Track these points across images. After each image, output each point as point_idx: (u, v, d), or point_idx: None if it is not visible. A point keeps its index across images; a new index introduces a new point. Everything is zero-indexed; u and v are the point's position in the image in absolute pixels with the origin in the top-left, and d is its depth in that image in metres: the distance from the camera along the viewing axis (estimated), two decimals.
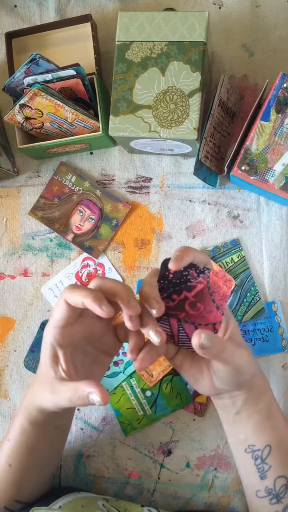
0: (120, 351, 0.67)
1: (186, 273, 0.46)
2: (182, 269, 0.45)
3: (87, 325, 0.49)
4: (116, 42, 0.61)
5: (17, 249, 0.72)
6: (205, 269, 0.46)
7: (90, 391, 0.43)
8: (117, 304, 0.46)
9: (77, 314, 0.48)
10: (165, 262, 0.46)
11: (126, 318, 0.45)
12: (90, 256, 0.70)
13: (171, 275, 0.46)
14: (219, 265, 0.66)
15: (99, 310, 0.43)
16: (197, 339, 0.44)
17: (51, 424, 0.55)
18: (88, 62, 0.67)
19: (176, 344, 0.49)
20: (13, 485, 0.55)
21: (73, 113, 0.62)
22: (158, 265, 0.69)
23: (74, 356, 0.49)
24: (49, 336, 0.47)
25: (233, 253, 0.66)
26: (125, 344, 0.67)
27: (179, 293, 0.46)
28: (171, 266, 0.45)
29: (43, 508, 0.53)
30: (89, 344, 0.50)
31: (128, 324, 0.45)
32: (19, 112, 0.63)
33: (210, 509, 0.65)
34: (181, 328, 0.48)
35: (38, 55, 0.61)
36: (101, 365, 0.52)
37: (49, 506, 0.53)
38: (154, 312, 0.45)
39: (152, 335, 0.45)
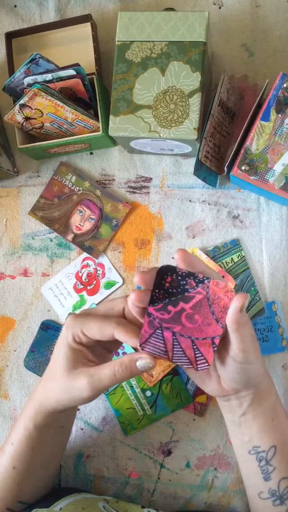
0: (120, 351, 0.67)
1: (184, 282, 0.42)
2: (179, 278, 0.42)
3: (88, 352, 0.51)
4: (116, 42, 0.61)
5: (17, 249, 0.72)
6: (204, 278, 0.42)
7: (137, 358, 0.45)
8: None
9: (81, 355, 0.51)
10: (161, 270, 0.42)
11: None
12: (90, 256, 0.70)
13: (167, 284, 0.42)
14: (219, 265, 0.66)
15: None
16: (244, 298, 0.42)
17: (57, 425, 0.55)
18: (88, 62, 0.67)
19: (170, 360, 0.45)
20: (17, 486, 0.56)
21: (73, 113, 0.62)
22: (158, 265, 0.68)
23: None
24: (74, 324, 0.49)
25: (233, 253, 0.66)
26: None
27: (175, 304, 0.43)
28: (179, 254, 0.42)
29: (44, 510, 0.53)
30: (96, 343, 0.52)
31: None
32: (19, 112, 0.63)
33: (210, 509, 0.65)
34: (176, 343, 0.44)
35: (38, 55, 0.61)
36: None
37: (50, 508, 0.53)
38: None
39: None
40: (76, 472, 0.68)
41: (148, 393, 0.66)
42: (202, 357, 0.44)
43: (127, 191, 0.70)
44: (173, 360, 0.45)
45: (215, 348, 0.44)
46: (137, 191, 0.70)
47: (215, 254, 0.67)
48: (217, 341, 0.44)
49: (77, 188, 0.70)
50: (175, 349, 0.44)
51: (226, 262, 0.66)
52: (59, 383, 0.50)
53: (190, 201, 0.69)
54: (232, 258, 0.66)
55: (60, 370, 0.50)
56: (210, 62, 0.66)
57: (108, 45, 0.71)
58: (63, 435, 0.59)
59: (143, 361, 0.45)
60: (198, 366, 0.45)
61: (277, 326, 0.65)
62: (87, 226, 0.70)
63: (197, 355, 0.44)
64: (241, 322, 0.43)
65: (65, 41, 0.70)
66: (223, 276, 0.65)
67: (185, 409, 0.66)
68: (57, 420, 0.54)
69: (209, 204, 0.68)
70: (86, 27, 0.68)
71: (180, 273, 0.42)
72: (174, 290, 0.43)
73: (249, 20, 0.68)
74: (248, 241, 0.67)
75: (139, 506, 0.59)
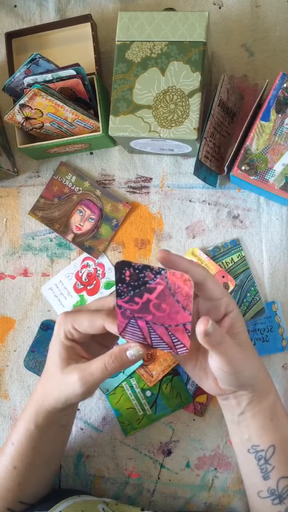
0: None
1: (142, 274, 0.43)
2: (137, 271, 0.43)
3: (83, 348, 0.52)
4: (116, 42, 0.61)
5: (17, 249, 0.72)
6: (160, 269, 0.43)
7: (126, 347, 0.46)
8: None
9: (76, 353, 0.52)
10: (118, 265, 0.43)
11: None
12: (90, 256, 0.70)
13: (127, 278, 0.44)
14: (219, 265, 0.66)
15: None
16: (204, 324, 0.42)
17: (57, 424, 0.55)
18: (88, 62, 0.67)
19: (151, 345, 0.48)
20: (17, 486, 0.56)
21: (73, 113, 0.62)
22: (158, 265, 0.68)
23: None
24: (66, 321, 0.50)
25: (233, 253, 0.66)
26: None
27: (141, 295, 0.44)
28: (161, 255, 0.44)
29: None
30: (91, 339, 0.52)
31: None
32: (19, 112, 0.63)
33: (210, 509, 0.65)
34: (152, 330, 0.46)
35: (38, 55, 0.61)
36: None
37: (49, 511, 0.53)
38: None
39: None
40: (76, 472, 0.68)
41: (148, 393, 0.66)
42: (180, 342, 0.46)
43: (127, 191, 0.70)
44: (153, 346, 0.47)
45: (189, 334, 0.45)
46: (137, 191, 0.70)
47: (215, 254, 0.67)
48: (189, 327, 0.45)
49: (77, 188, 0.70)
50: (152, 336, 0.46)
51: (226, 262, 0.66)
52: (54, 381, 0.50)
53: (190, 201, 0.69)
54: (232, 258, 0.66)
55: (54, 368, 0.50)
56: (210, 62, 0.66)
57: (108, 45, 0.71)
58: (64, 434, 0.59)
59: (133, 349, 0.46)
60: (178, 350, 0.46)
61: (277, 326, 0.65)
62: (87, 226, 0.70)
63: (174, 340, 0.46)
64: (212, 343, 0.44)
65: (65, 41, 0.70)
66: (223, 276, 0.65)
67: (185, 409, 0.66)
68: (58, 419, 0.54)
69: (209, 204, 0.68)
70: (86, 27, 0.68)
71: (136, 266, 0.43)
72: (136, 283, 0.44)
73: (249, 20, 0.68)
74: (248, 241, 0.67)
75: (138, 508, 0.59)
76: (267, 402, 0.52)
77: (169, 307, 0.44)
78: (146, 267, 0.43)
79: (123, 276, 0.44)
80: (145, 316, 0.45)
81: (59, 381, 0.50)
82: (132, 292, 0.44)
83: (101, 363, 0.47)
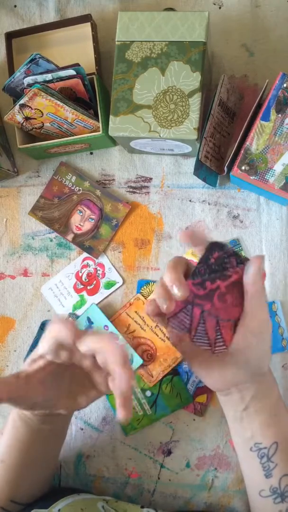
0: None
1: (228, 260, 0.43)
2: (225, 256, 0.43)
3: (79, 353, 0.49)
4: (116, 42, 0.61)
5: (17, 249, 0.72)
6: (244, 259, 0.43)
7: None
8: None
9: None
10: (212, 245, 0.43)
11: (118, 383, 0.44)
12: (90, 256, 0.70)
13: (213, 259, 0.43)
14: None
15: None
16: (259, 261, 0.43)
17: (40, 426, 0.54)
18: (88, 62, 0.67)
19: (191, 339, 0.46)
20: (7, 484, 0.55)
21: (73, 113, 0.62)
22: (158, 265, 0.69)
23: (63, 375, 0.49)
24: (41, 346, 0.48)
25: None
26: (123, 343, 0.67)
27: (213, 281, 0.44)
28: (183, 233, 0.43)
29: (42, 511, 0.53)
30: (78, 368, 0.50)
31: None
32: (19, 112, 0.63)
33: (210, 509, 0.65)
34: (202, 322, 0.45)
35: (38, 55, 0.61)
36: (86, 396, 0.51)
37: (49, 509, 0.53)
38: (177, 294, 0.44)
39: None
40: (76, 472, 0.68)
41: (148, 393, 0.66)
42: (221, 339, 0.45)
43: (127, 191, 0.70)
44: (194, 339, 0.46)
45: (234, 333, 0.45)
46: (137, 191, 0.70)
47: None
48: (236, 324, 0.45)
49: (77, 188, 0.70)
50: (199, 328, 0.45)
51: None
52: None
53: (190, 201, 0.69)
54: None
55: None
56: (210, 62, 0.66)
57: (108, 45, 0.71)
58: (54, 439, 0.58)
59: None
60: (216, 348, 0.45)
61: (277, 326, 0.65)
62: (87, 226, 0.70)
63: (217, 337, 0.45)
64: (257, 285, 0.44)
65: (65, 41, 0.70)
66: None
67: (185, 409, 0.66)
68: (38, 417, 0.53)
69: (209, 204, 0.68)
70: (86, 27, 0.68)
71: (227, 250, 0.43)
72: (217, 267, 0.43)
73: (249, 20, 0.68)
74: (248, 241, 0.67)
75: (138, 506, 0.59)
76: (271, 398, 0.52)
77: (232, 299, 0.44)
78: (235, 253, 0.43)
79: (210, 257, 0.43)
80: (205, 304, 0.44)
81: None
82: (207, 275, 0.43)
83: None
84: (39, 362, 0.48)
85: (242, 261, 0.43)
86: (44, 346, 0.47)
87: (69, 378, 0.50)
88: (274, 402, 0.52)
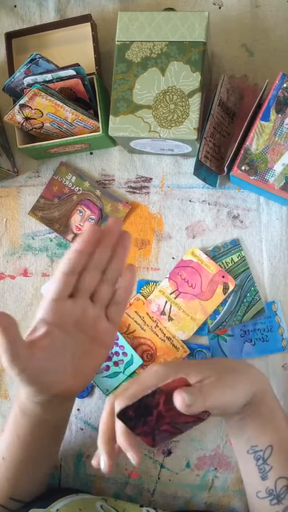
0: (120, 351, 0.67)
1: (142, 403, 0.46)
2: (137, 406, 0.45)
3: (78, 306, 0.50)
4: (116, 42, 0.61)
5: (17, 249, 0.72)
6: (154, 391, 0.46)
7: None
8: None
9: (71, 286, 0.49)
10: (121, 415, 0.45)
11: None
12: None
13: (133, 415, 0.46)
14: (219, 265, 0.66)
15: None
16: (181, 400, 0.44)
17: (41, 416, 0.54)
18: (88, 62, 0.67)
19: (183, 432, 0.49)
20: (7, 481, 0.56)
21: (73, 113, 0.62)
22: (158, 265, 0.69)
23: (65, 343, 0.49)
24: (39, 311, 0.49)
25: (233, 253, 0.66)
26: (123, 343, 0.67)
27: (151, 413, 0.46)
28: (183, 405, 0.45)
29: (40, 510, 0.53)
30: (81, 332, 0.50)
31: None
32: (19, 112, 0.63)
33: (210, 509, 0.65)
34: (175, 423, 0.48)
35: (38, 55, 0.61)
36: (93, 356, 0.52)
37: (47, 509, 0.53)
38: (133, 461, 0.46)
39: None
40: (76, 472, 0.68)
41: None
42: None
43: (127, 191, 0.70)
44: (184, 430, 0.49)
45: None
46: (137, 191, 0.70)
47: (215, 254, 0.67)
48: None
49: (77, 188, 0.70)
50: (177, 426, 0.48)
51: (226, 262, 0.66)
52: None
53: (190, 201, 0.69)
54: (232, 258, 0.66)
55: None
56: (210, 62, 0.66)
57: (108, 45, 0.71)
58: (54, 433, 0.58)
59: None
60: (205, 416, 0.48)
61: (277, 326, 0.65)
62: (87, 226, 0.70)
63: (198, 414, 0.47)
64: (199, 407, 0.46)
65: (65, 41, 0.70)
66: (223, 276, 0.65)
67: None
68: (40, 410, 0.53)
69: (209, 204, 0.68)
70: (86, 27, 0.68)
71: (134, 404, 0.45)
72: (142, 411, 0.46)
73: (249, 20, 0.68)
74: (248, 241, 0.67)
75: (137, 505, 0.59)
76: (265, 404, 0.52)
77: (175, 409, 0.46)
78: (142, 398, 0.45)
79: (128, 417, 0.46)
80: (164, 422, 0.47)
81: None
82: (143, 418, 0.46)
83: None
84: (41, 329, 0.48)
85: (153, 392, 0.45)
86: (46, 296, 0.49)
87: (73, 346, 0.50)
88: (269, 407, 0.53)
